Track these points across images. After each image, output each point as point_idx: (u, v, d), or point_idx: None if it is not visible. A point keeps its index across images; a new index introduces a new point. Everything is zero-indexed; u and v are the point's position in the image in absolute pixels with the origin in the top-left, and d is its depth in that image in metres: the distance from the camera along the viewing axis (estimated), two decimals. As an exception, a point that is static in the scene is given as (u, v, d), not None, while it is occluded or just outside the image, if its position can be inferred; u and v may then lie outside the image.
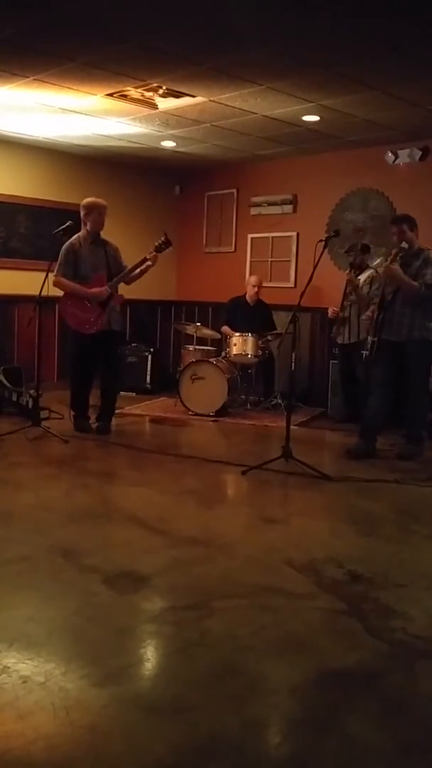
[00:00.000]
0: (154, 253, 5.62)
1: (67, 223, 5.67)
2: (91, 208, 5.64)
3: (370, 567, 3.15)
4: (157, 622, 2.63)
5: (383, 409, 5.25)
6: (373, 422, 5.28)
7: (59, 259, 5.64)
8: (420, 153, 6.66)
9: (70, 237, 5.69)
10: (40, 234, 7.49)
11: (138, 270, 5.65)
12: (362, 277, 6.34)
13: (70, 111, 6.09)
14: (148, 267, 5.65)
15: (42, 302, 5.58)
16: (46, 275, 5.43)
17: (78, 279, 5.61)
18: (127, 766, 1.80)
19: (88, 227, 5.65)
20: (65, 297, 5.67)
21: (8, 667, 2.20)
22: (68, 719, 1.97)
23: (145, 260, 5.62)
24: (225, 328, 7.27)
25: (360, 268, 6.43)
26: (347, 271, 6.49)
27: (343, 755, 1.87)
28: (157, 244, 5.65)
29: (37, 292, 5.45)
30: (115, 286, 5.63)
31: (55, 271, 5.63)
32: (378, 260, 6.70)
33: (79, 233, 5.69)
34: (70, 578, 2.95)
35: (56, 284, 5.62)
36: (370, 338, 5.36)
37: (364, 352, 5.75)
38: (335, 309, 6.49)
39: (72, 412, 5.86)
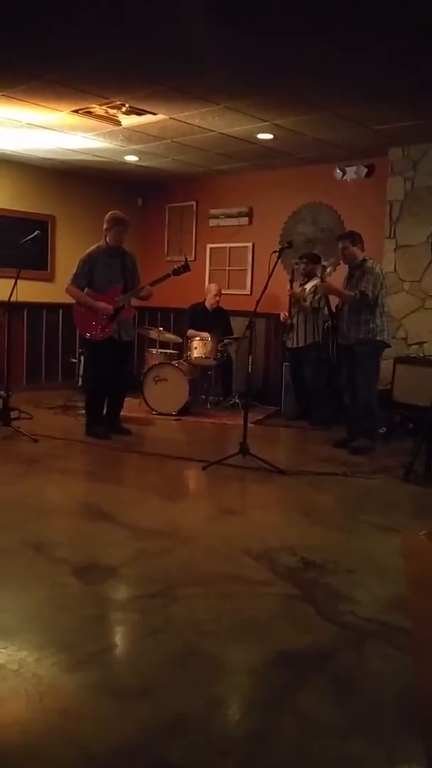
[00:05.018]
0: (172, 275, 5.53)
1: (35, 233, 5.65)
2: (112, 223, 5.49)
3: (322, 554, 3.20)
4: (124, 610, 2.64)
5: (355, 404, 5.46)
6: (353, 417, 5.51)
7: (75, 270, 5.52)
8: (366, 170, 6.77)
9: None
10: (8, 243, 7.36)
11: (153, 286, 5.57)
12: (308, 286, 6.56)
13: (37, 126, 6.02)
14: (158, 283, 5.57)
15: (11, 308, 5.51)
16: (15, 282, 5.37)
17: (93, 290, 5.46)
18: (98, 746, 1.81)
19: (107, 240, 5.51)
20: (77, 305, 5.55)
21: (-17, 657, 2.19)
22: (41, 704, 1.96)
23: (163, 278, 5.51)
24: (190, 332, 7.27)
25: (309, 276, 6.64)
26: (289, 288, 6.60)
27: (299, 730, 1.91)
28: (175, 267, 5.58)
29: (5, 299, 5.39)
30: (126, 300, 5.49)
31: (69, 279, 5.53)
32: (320, 271, 6.81)
33: (99, 243, 5.55)
34: (42, 570, 2.93)
35: (67, 292, 5.55)
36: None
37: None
38: (286, 314, 6.64)
39: (86, 419, 5.69)
